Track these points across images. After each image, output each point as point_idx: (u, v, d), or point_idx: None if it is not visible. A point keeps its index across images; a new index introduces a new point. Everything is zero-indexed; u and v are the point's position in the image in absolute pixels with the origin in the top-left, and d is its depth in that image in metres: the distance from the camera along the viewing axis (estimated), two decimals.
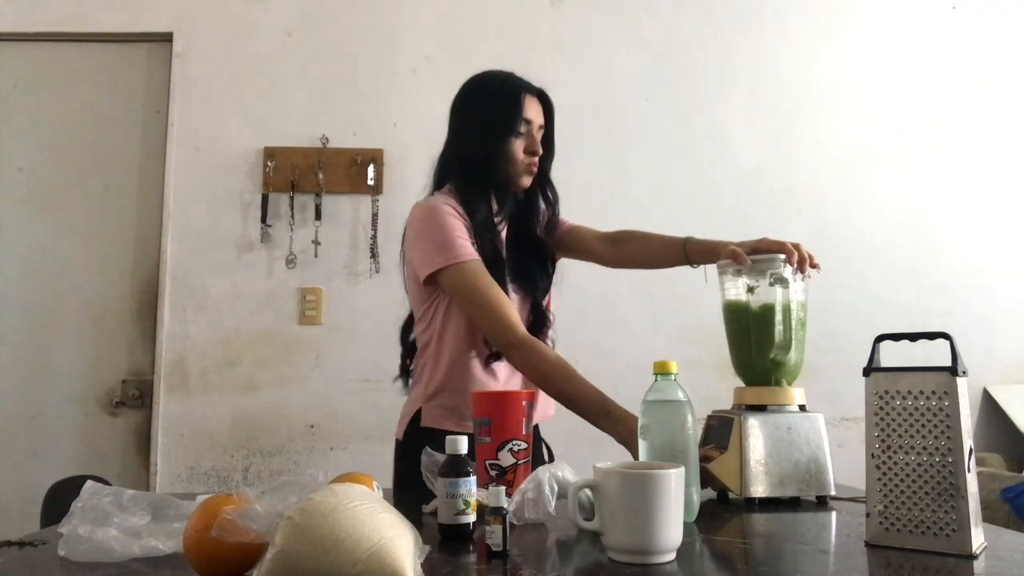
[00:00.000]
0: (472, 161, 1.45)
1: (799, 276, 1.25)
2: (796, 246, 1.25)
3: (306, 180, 2.52)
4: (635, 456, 1.17)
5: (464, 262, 1.35)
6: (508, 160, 1.43)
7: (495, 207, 1.47)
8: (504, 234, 1.50)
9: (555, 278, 1.59)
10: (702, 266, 1.43)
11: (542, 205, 1.55)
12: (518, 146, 1.43)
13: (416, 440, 1.46)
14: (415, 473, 1.40)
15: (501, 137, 1.42)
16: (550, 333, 1.54)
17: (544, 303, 1.51)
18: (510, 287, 1.43)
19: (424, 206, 1.43)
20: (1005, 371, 2.61)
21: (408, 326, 1.54)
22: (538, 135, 1.46)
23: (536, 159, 1.45)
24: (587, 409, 1.28)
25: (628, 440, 1.21)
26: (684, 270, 1.50)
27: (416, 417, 1.46)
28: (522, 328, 1.36)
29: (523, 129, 1.43)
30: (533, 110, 1.45)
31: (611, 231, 1.58)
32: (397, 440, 1.50)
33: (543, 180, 1.53)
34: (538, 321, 1.48)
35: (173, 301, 2.48)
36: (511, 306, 1.37)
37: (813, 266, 1.25)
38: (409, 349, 1.53)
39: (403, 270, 1.50)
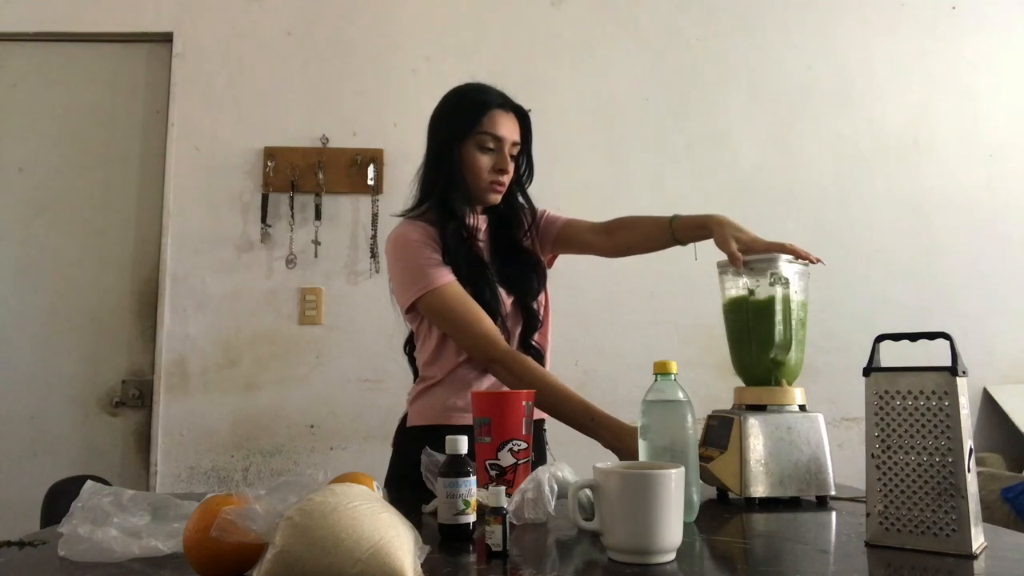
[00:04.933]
0: (437, 170, 1.44)
1: (808, 264, 1.24)
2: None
3: (306, 180, 2.52)
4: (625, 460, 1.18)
5: (435, 288, 1.35)
6: (468, 170, 1.42)
7: (470, 217, 1.45)
8: (487, 241, 1.50)
9: (553, 278, 1.58)
10: (692, 244, 1.41)
11: (523, 218, 1.53)
12: (481, 160, 1.42)
13: (400, 442, 1.48)
14: (400, 475, 1.42)
15: (454, 141, 1.42)
16: (549, 338, 1.54)
17: (536, 306, 1.50)
18: (500, 290, 1.43)
19: (392, 238, 1.44)
20: (1005, 371, 2.61)
21: (409, 343, 1.55)
22: (510, 152, 1.44)
23: (502, 178, 1.43)
24: (572, 417, 1.29)
25: (614, 446, 1.23)
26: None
27: (403, 420, 1.49)
28: (502, 341, 1.36)
29: (492, 145, 1.41)
30: (506, 127, 1.43)
31: (605, 221, 1.55)
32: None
33: (522, 195, 1.52)
34: (529, 324, 1.48)
35: (173, 301, 2.48)
36: (488, 320, 1.36)
37: (815, 260, 1.25)
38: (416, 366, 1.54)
39: (391, 296, 1.50)
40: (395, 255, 1.43)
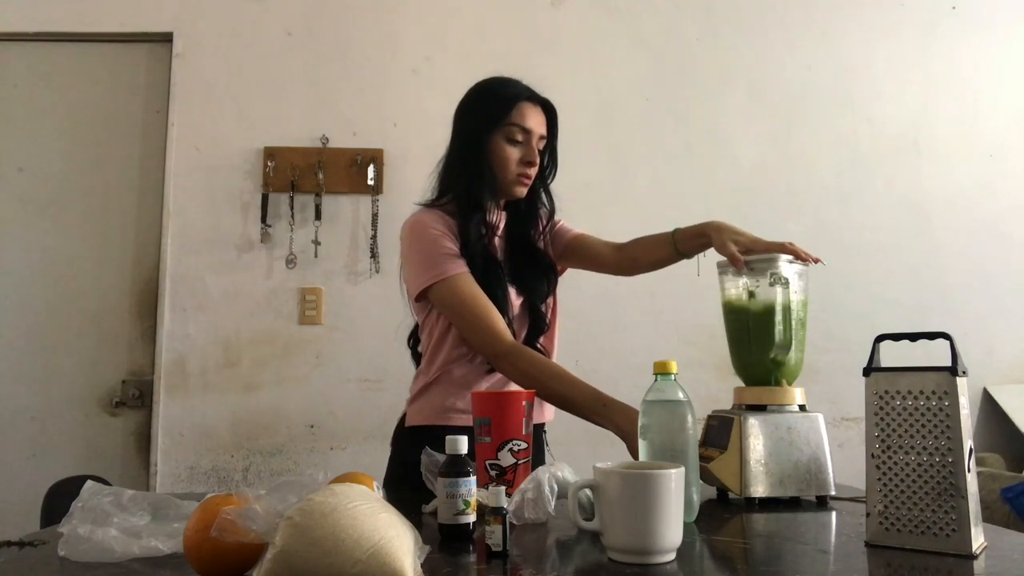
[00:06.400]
0: (463, 162, 1.43)
1: (807, 265, 1.24)
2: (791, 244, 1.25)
3: (306, 180, 2.52)
4: (635, 447, 1.17)
5: (447, 278, 1.35)
6: (497, 162, 1.41)
7: (492, 212, 1.45)
8: (503, 239, 1.49)
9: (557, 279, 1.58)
10: (695, 256, 1.43)
11: (541, 216, 1.53)
12: (510, 151, 1.41)
13: (398, 442, 1.47)
14: (399, 475, 1.42)
15: (482, 133, 1.41)
16: (555, 342, 1.53)
17: (544, 309, 1.50)
18: (511, 289, 1.43)
19: (409, 224, 1.43)
20: (1005, 371, 2.61)
21: (413, 335, 1.54)
22: (538, 146, 1.44)
23: (530, 171, 1.43)
24: (582, 406, 1.27)
25: (628, 431, 1.19)
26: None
27: (402, 420, 1.48)
28: (508, 336, 1.35)
29: (520, 138, 1.41)
30: (533, 119, 1.42)
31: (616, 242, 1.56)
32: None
33: (544, 191, 1.52)
34: (536, 326, 1.47)
35: (173, 301, 2.48)
36: (497, 315, 1.35)
37: (815, 260, 1.25)
38: (419, 359, 1.53)
39: (401, 284, 1.49)
40: (411, 241, 1.41)
